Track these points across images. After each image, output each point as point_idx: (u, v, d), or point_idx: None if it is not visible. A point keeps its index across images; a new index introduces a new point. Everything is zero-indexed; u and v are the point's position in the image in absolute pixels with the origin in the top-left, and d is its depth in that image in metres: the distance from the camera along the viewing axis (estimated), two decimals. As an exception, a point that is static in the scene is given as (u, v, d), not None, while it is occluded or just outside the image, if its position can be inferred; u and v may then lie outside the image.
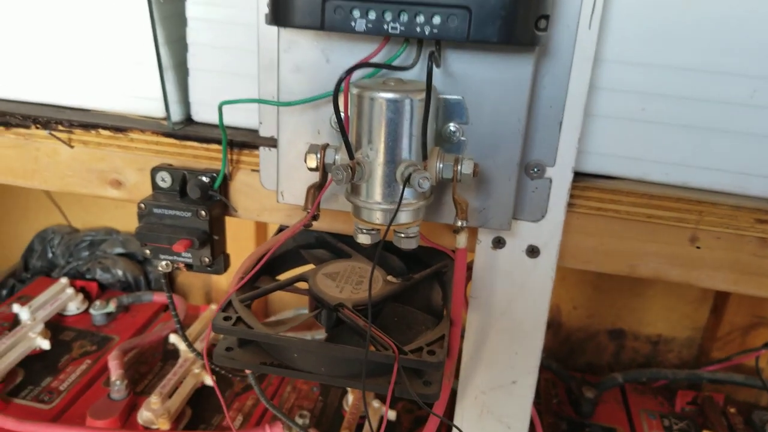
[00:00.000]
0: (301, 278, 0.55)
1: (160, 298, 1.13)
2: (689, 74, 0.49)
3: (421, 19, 0.43)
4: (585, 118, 0.50)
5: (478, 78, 0.47)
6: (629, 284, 1.07)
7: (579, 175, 0.53)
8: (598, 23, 0.47)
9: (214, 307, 1.10)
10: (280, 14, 0.45)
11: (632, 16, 0.48)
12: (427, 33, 0.43)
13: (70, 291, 1.09)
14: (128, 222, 1.26)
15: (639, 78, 0.50)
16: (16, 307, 1.01)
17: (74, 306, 1.08)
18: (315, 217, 0.49)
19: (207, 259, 0.59)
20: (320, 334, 0.92)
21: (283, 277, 0.61)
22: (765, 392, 1.00)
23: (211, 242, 0.59)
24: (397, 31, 0.43)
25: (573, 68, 0.48)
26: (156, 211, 0.59)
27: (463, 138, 0.49)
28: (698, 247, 0.54)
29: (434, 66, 0.44)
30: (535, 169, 0.51)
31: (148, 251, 0.59)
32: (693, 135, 0.51)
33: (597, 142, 0.52)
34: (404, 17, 0.43)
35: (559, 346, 1.15)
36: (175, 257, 0.59)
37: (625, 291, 1.08)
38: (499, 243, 0.55)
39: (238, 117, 0.60)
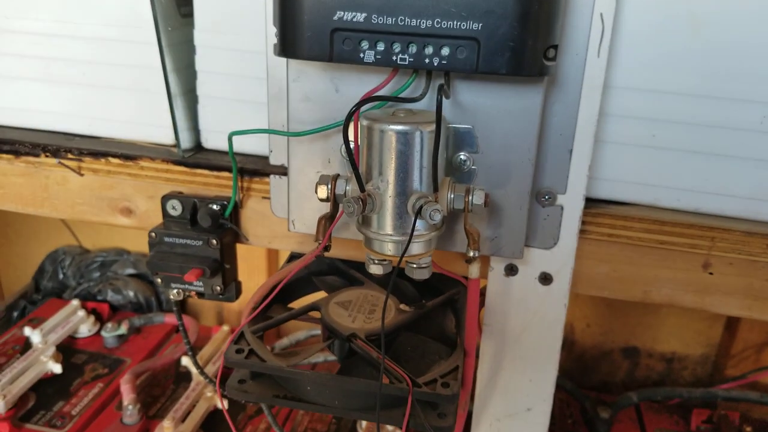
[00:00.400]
0: (313, 307, 0.55)
1: (172, 319, 1.13)
2: (699, 100, 0.49)
3: (429, 50, 0.43)
4: (595, 145, 0.50)
5: (488, 108, 0.47)
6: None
7: (590, 202, 0.53)
8: (606, 51, 0.46)
9: (226, 328, 1.10)
10: (288, 46, 0.45)
11: (640, 43, 0.48)
12: (435, 64, 0.43)
13: (81, 313, 1.09)
14: (139, 242, 1.26)
15: (648, 104, 0.50)
16: (27, 330, 1.01)
17: (86, 328, 1.08)
18: (327, 248, 0.49)
19: (218, 288, 0.59)
20: (331, 357, 0.92)
21: (295, 304, 0.61)
22: (782, 409, 0.98)
23: (223, 270, 0.59)
24: (406, 63, 0.43)
25: (582, 96, 0.47)
26: (167, 239, 0.59)
27: (473, 167, 0.49)
28: (711, 273, 0.53)
29: (444, 97, 0.44)
30: (547, 197, 0.51)
31: (159, 280, 0.59)
32: (704, 161, 0.50)
33: (608, 169, 0.52)
34: (413, 48, 0.43)
35: (572, 364, 1.14)
36: (187, 286, 0.59)
37: (638, 308, 1.07)
38: (511, 270, 0.54)
39: (248, 144, 0.60)
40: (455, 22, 0.42)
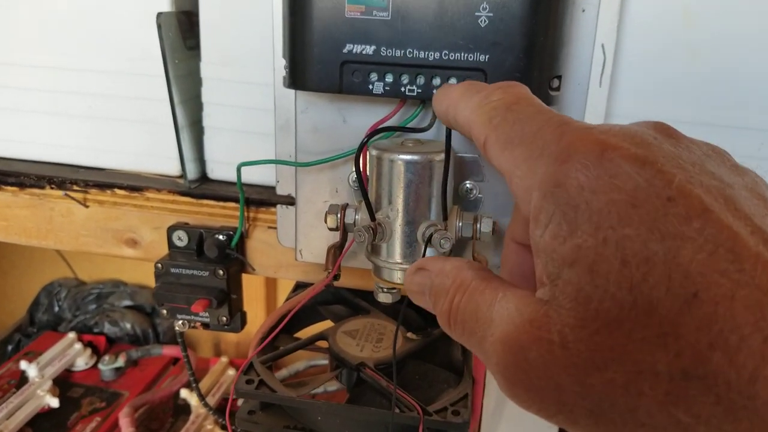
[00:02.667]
0: (321, 337, 0.54)
1: (170, 351, 1.12)
2: (697, 128, 0.50)
3: (437, 81, 0.44)
4: (600, 172, 0.50)
5: (495, 136, 0.48)
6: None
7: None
8: (608, 81, 0.48)
9: (224, 359, 1.09)
10: (298, 78, 0.46)
11: (640, 72, 0.50)
12: (444, 95, 0.43)
13: (78, 346, 1.08)
14: (135, 274, 1.25)
15: (651, 132, 0.51)
16: (23, 364, 1.00)
17: (82, 361, 1.07)
18: (336, 277, 0.49)
19: (225, 318, 0.59)
20: (332, 386, 0.91)
21: (301, 333, 0.61)
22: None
23: (229, 301, 0.59)
24: (414, 94, 0.44)
25: (587, 125, 0.48)
26: (173, 270, 0.59)
27: (479, 195, 0.50)
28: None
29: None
30: (553, 224, 0.51)
31: (165, 311, 0.59)
32: (707, 186, 0.51)
33: (612, 195, 0.53)
34: (421, 80, 0.44)
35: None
36: (193, 317, 0.59)
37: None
38: (517, 296, 0.54)
39: (254, 174, 0.61)
40: (462, 54, 0.43)
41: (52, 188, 0.63)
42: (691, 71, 0.49)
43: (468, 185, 0.50)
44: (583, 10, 0.47)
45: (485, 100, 0.28)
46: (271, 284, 1.14)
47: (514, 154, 0.24)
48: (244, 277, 0.63)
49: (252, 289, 1.11)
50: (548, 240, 0.22)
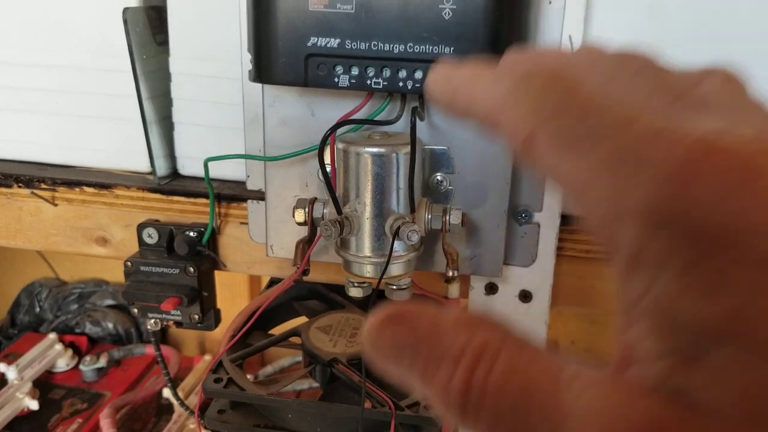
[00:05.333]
0: (294, 333, 0.54)
1: (152, 350, 1.11)
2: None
3: (403, 74, 0.43)
4: (570, 162, 0.50)
5: (462, 129, 0.47)
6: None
7: (567, 219, 0.53)
8: (578, 70, 0.47)
9: (208, 357, 1.08)
10: (263, 72, 0.46)
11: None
12: (409, 87, 0.43)
13: (59, 347, 1.07)
14: (118, 273, 1.24)
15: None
16: (2, 366, 0.99)
17: (63, 362, 1.06)
18: (305, 272, 0.49)
19: (197, 316, 0.58)
20: (304, 384, 0.90)
21: (277, 330, 0.60)
22: None
23: (201, 299, 0.58)
24: (380, 87, 0.44)
25: (556, 115, 0.48)
26: (143, 268, 0.58)
27: (450, 187, 0.49)
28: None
29: (418, 119, 0.45)
30: (523, 215, 0.51)
31: (136, 310, 0.58)
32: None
33: (583, 186, 0.53)
34: (386, 73, 0.43)
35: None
36: (164, 315, 0.58)
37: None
38: (491, 289, 0.54)
39: (225, 169, 0.60)
40: (427, 46, 0.42)
41: (19, 187, 0.62)
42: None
43: (438, 177, 0.49)
44: (550, 2, 0.47)
45: (526, 79, 0.19)
46: (255, 281, 1.14)
47: (588, 162, 0.16)
48: (228, 274, 0.63)
49: (236, 286, 1.10)
50: (669, 295, 0.14)
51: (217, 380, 0.47)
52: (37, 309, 1.24)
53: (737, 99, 0.18)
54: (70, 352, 1.08)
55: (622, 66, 0.19)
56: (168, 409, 0.96)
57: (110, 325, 1.17)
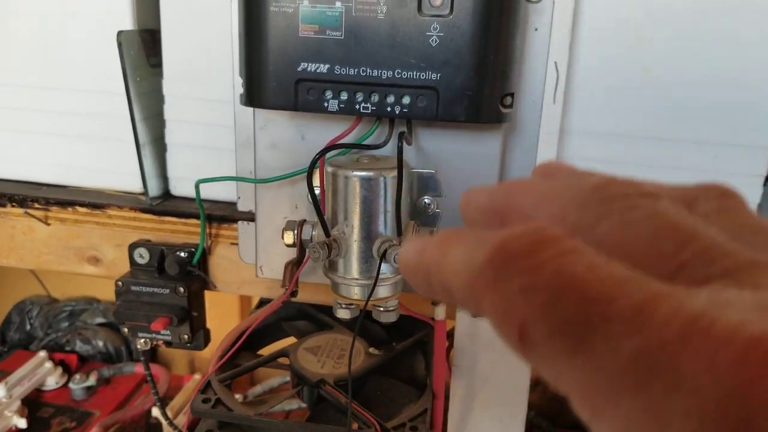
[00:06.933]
0: (282, 353, 0.54)
1: (142, 369, 1.10)
2: (653, 143, 0.51)
3: (391, 99, 0.44)
4: (556, 186, 0.51)
5: (450, 153, 0.48)
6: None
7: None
8: (562, 98, 0.48)
9: (197, 377, 1.08)
10: (254, 96, 0.46)
11: (593, 89, 0.50)
12: (397, 112, 0.44)
13: (48, 365, 1.07)
14: (109, 291, 1.23)
15: (604, 148, 0.51)
16: (-8, 384, 0.98)
17: (53, 380, 1.05)
18: (294, 294, 0.49)
19: (186, 336, 0.59)
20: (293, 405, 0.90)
21: (265, 350, 0.60)
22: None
23: (190, 319, 0.58)
24: (369, 111, 0.45)
25: (540, 141, 0.49)
26: (134, 288, 0.58)
27: (437, 210, 0.50)
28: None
29: (406, 144, 0.45)
30: (510, 238, 0.52)
31: (126, 329, 0.58)
32: (661, 200, 0.52)
33: (569, 209, 0.53)
34: (375, 98, 0.44)
35: (548, 402, 1.14)
36: (154, 335, 0.58)
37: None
38: (478, 311, 0.55)
39: (217, 190, 0.60)
40: (414, 73, 0.43)
41: (13, 206, 0.63)
42: (643, 86, 0.50)
43: (426, 200, 0.50)
44: (536, 29, 0.48)
45: (502, 258, 0.15)
46: (245, 301, 1.14)
47: (608, 377, 0.12)
48: (218, 294, 0.63)
49: (225, 306, 1.10)
50: None
51: (206, 400, 0.47)
52: (28, 326, 1.23)
53: (746, 235, 0.16)
54: (59, 370, 1.07)
55: (610, 211, 0.16)
56: (157, 428, 0.96)
57: (100, 343, 1.17)
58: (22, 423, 0.93)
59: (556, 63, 0.48)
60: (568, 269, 0.13)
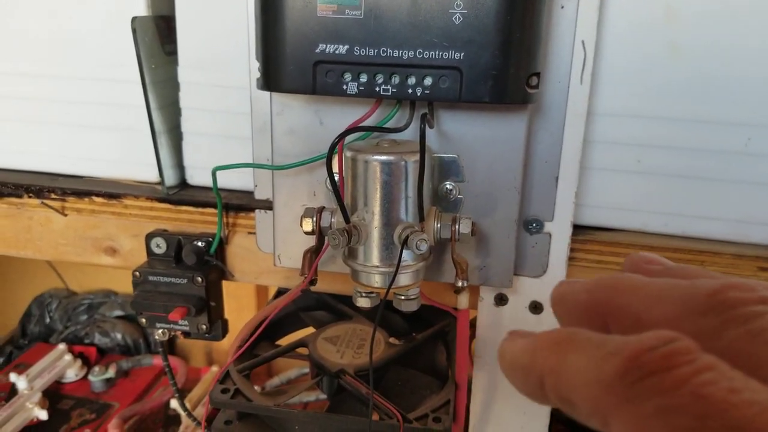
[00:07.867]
0: (301, 343, 0.53)
1: (161, 361, 1.10)
2: (682, 124, 0.49)
3: (412, 80, 0.43)
4: (581, 171, 0.49)
5: (473, 136, 0.47)
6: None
7: (578, 228, 0.52)
8: (589, 78, 0.47)
9: (215, 369, 1.07)
10: (271, 79, 0.45)
11: (623, 70, 0.49)
12: (419, 94, 0.43)
13: (68, 357, 1.07)
14: (127, 283, 1.23)
15: (633, 130, 0.50)
16: (13, 376, 0.99)
17: (72, 373, 1.06)
18: (313, 282, 0.48)
19: (204, 326, 0.58)
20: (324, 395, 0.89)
21: (284, 340, 0.59)
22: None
23: (208, 309, 0.57)
24: (389, 94, 0.43)
25: (567, 123, 0.47)
26: (151, 278, 0.58)
27: (459, 196, 0.48)
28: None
29: (428, 127, 0.44)
30: (534, 225, 0.50)
31: (144, 320, 0.58)
32: (690, 185, 0.50)
33: (594, 195, 0.52)
34: (395, 79, 0.43)
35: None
36: (172, 325, 0.58)
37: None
38: (501, 300, 0.53)
39: (233, 179, 0.60)
40: (437, 52, 0.42)
41: (29, 197, 0.62)
42: (674, 67, 0.48)
43: (448, 186, 0.49)
44: (562, 7, 0.46)
45: (635, 374, 0.14)
46: (262, 292, 1.13)
47: None
48: (235, 284, 0.62)
49: (243, 296, 1.09)
50: None
51: (225, 391, 0.46)
52: (48, 320, 1.24)
53: None
54: (79, 362, 1.08)
55: (733, 320, 0.15)
56: (175, 420, 0.96)
57: (119, 336, 1.17)
58: (44, 414, 0.94)
59: (583, 42, 0.46)
60: (708, 391, 0.13)
